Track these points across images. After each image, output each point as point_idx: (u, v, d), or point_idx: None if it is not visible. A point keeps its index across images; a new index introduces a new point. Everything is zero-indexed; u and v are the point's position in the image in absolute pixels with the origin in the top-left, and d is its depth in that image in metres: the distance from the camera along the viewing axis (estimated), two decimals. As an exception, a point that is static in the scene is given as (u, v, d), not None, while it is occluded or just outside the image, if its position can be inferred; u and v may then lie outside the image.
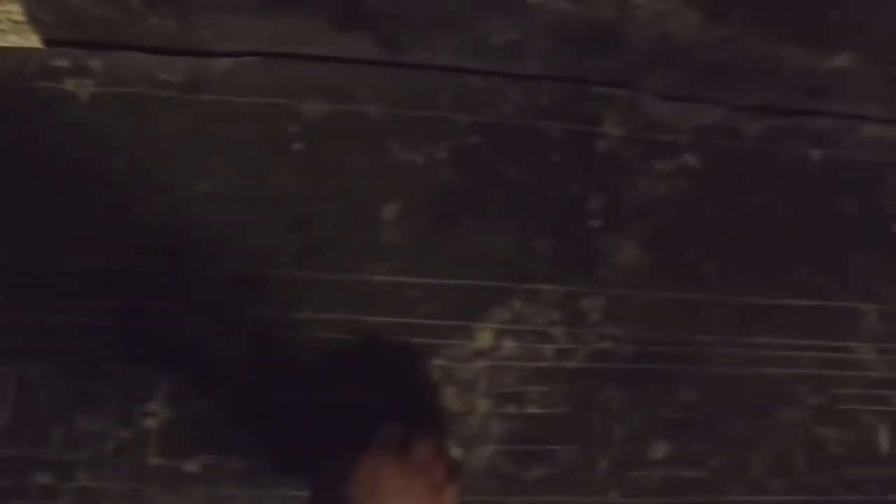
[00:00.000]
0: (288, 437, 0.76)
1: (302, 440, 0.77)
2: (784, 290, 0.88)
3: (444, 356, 0.80)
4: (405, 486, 0.65)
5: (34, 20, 0.79)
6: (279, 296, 0.78)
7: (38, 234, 0.76)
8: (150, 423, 0.75)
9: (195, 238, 0.79)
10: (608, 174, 0.86)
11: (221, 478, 0.75)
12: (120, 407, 0.75)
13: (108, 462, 0.74)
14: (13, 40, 0.81)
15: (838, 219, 0.92)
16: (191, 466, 0.75)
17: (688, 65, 0.86)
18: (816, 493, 0.85)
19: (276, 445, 0.76)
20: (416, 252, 0.82)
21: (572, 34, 0.81)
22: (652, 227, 0.86)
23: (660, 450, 0.83)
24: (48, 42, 0.82)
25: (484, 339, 0.81)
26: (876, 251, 0.92)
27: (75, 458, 0.74)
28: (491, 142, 0.85)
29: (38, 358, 0.74)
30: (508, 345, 0.82)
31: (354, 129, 0.84)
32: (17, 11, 0.78)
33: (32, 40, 0.82)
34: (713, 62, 0.85)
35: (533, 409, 0.81)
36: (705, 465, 0.83)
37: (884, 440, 0.88)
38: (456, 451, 0.79)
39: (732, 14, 0.81)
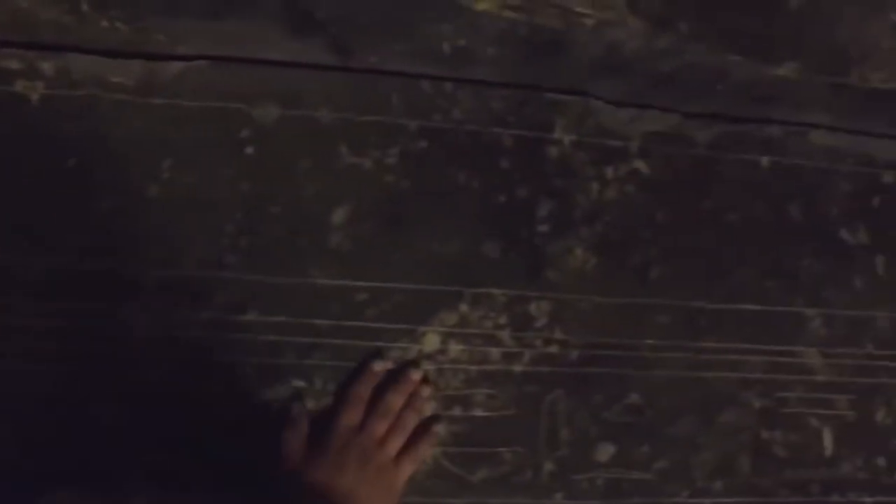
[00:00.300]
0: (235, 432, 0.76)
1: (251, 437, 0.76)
2: (731, 295, 0.90)
3: (390, 359, 0.80)
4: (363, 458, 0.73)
5: (-17, 22, 0.79)
6: (226, 299, 0.78)
7: (-15, 234, 0.76)
8: (95, 424, 0.75)
9: (143, 241, 0.79)
10: (558, 180, 0.87)
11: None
12: (65, 409, 0.75)
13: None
14: (-38, 43, 0.81)
15: (786, 225, 0.93)
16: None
17: (637, 73, 0.87)
18: (760, 496, 0.87)
19: (223, 442, 0.76)
20: (364, 256, 0.82)
21: (520, 42, 0.82)
22: (601, 232, 0.87)
23: (605, 452, 0.84)
24: (-2, 44, 0.82)
25: (431, 342, 0.82)
26: (823, 257, 0.94)
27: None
28: (441, 147, 0.85)
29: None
30: (455, 348, 0.82)
31: (305, 133, 0.84)
32: (-35, 14, 0.78)
33: (-18, 43, 0.82)
34: (661, 70, 0.86)
35: (479, 412, 0.82)
36: (650, 467, 0.84)
37: (828, 443, 0.89)
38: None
39: (678, 24, 0.82)
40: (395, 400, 0.77)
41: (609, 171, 0.89)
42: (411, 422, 0.78)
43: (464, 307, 0.83)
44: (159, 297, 0.78)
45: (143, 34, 0.84)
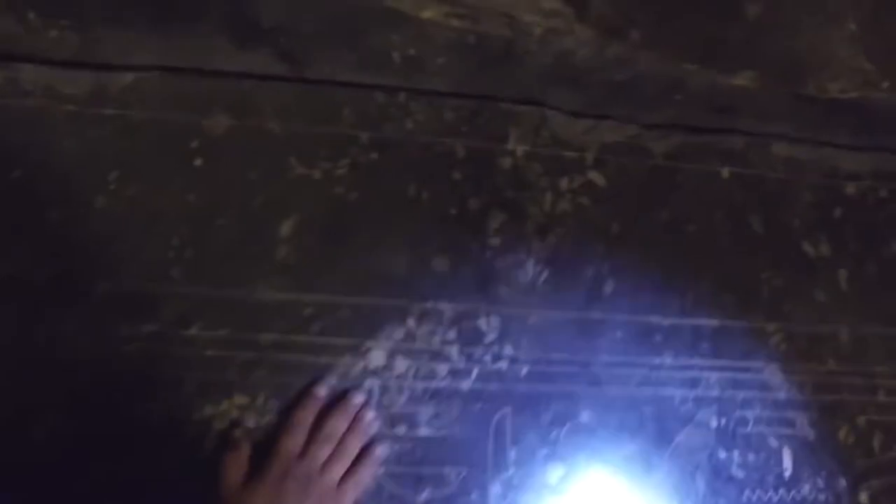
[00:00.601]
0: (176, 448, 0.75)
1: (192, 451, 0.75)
2: (688, 310, 0.88)
3: (335, 374, 0.79)
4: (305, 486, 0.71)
5: (-69, 33, 0.79)
6: (170, 312, 0.77)
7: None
8: (40, 434, 0.74)
9: (88, 253, 0.79)
10: (511, 191, 0.86)
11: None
12: (8, 417, 0.74)
13: None
14: None
15: (746, 237, 0.91)
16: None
17: (591, 82, 0.86)
18: (717, 516, 0.85)
19: (163, 458, 0.75)
20: (310, 269, 0.81)
21: (469, 51, 0.81)
22: (553, 245, 0.86)
23: (555, 474, 0.82)
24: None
25: (376, 358, 0.81)
26: (784, 270, 0.92)
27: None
28: (392, 158, 0.84)
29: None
30: (401, 364, 0.81)
31: (255, 144, 0.84)
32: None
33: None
34: (615, 80, 0.85)
35: (424, 431, 0.80)
36: (601, 487, 0.82)
37: (788, 463, 0.87)
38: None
39: (629, 32, 0.80)
40: (338, 424, 0.76)
41: (563, 183, 0.88)
42: (354, 446, 0.77)
43: (411, 322, 0.82)
44: (102, 310, 0.77)
45: (93, 44, 0.84)
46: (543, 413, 0.83)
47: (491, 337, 0.83)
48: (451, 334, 0.83)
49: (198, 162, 0.82)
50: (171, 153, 0.82)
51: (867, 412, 0.92)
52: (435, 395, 0.81)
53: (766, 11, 0.85)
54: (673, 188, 0.90)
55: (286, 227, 0.82)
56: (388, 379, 0.81)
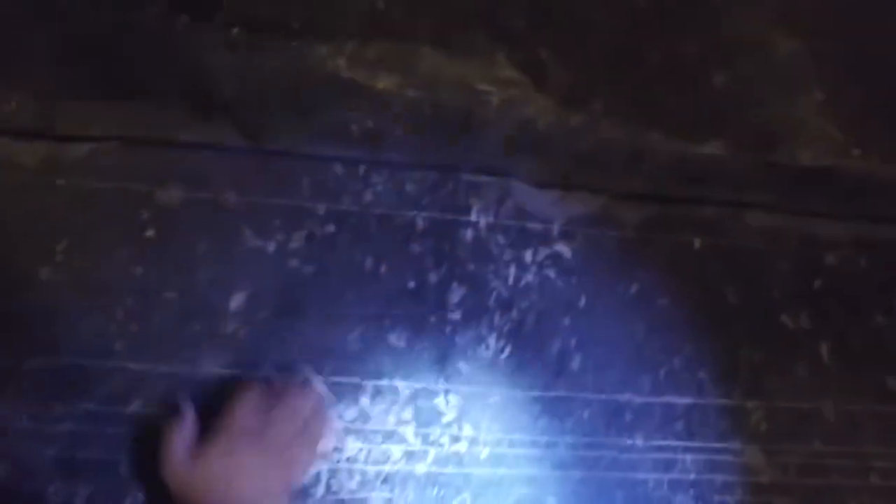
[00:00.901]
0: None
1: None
2: (661, 387, 0.83)
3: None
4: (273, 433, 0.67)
5: None
6: (109, 389, 0.74)
7: None
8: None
9: (29, 325, 0.76)
10: (472, 264, 0.83)
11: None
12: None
13: None
14: None
15: (722, 310, 0.88)
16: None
17: (554, 152, 0.83)
18: None
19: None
20: (259, 344, 0.78)
21: (427, 121, 0.79)
22: (516, 319, 0.82)
23: (517, 563, 0.77)
24: None
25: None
26: (763, 344, 0.88)
27: None
28: (349, 230, 0.82)
29: None
30: (352, 446, 0.77)
31: (209, 215, 0.82)
32: None
33: None
34: (580, 149, 0.83)
35: (375, 518, 0.75)
36: (566, 581, 0.77)
37: (773, 552, 0.82)
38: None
39: (590, 101, 0.78)
40: (289, 391, 0.71)
41: (528, 255, 0.85)
42: (305, 408, 0.71)
43: (364, 400, 0.78)
44: (37, 386, 0.74)
45: (51, 115, 0.83)
46: (505, 499, 0.79)
47: (449, 416, 0.80)
48: (407, 414, 0.79)
49: (149, 233, 0.80)
50: (121, 224, 0.80)
51: (860, 497, 0.86)
52: (388, 479, 0.77)
53: (732, 81, 0.84)
54: (643, 260, 0.87)
55: (236, 301, 0.79)
56: (337, 462, 0.76)
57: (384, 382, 0.79)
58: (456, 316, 0.82)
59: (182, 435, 0.69)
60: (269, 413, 0.70)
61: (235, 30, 0.70)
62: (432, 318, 0.82)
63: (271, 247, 0.81)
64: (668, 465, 0.82)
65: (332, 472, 0.76)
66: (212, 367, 0.77)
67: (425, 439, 0.78)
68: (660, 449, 0.82)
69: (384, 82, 0.75)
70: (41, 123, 0.84)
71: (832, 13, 0.89)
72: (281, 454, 0.68)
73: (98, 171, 0.82)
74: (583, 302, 0.85)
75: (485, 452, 0.79)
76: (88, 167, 0.82)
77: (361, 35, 0.72)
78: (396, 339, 0.81)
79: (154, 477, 0.67)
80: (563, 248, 0.86)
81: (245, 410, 0.70)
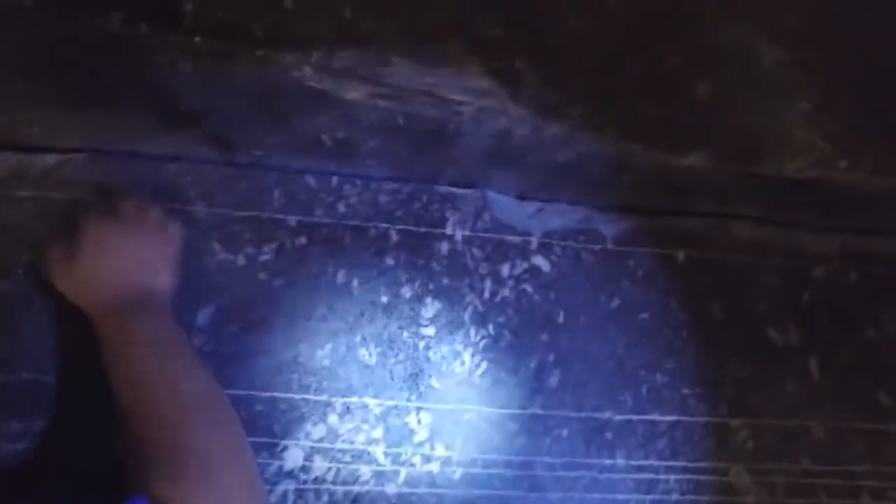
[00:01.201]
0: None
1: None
2: (643, 404, 0.81)
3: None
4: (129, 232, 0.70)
5: None
6: (69, 405, 0.72)
7: None
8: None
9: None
10: (447, 278, 0.81)
11: None
12: None
13: None
14: None
15: (706, 325, 0.85)
16: None
17: (532, 163, 0.81)
18: None
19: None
20: (225, 360, 0.75)
21: (401, 132, 0.77)
22: (492, 334, 0.80)
23: (491, 588, 0.74)
24: None
25: (293, 458, 0.75)
26: (749, 359, 0.85)
27: None
28: (321, 243, 0.80)
29: None
30: (321, 465, 0.75)
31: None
32: None
33: None
34: (558, 161, 0.80)
35: (343, 540, 0.73)
36: None
37: (758, 577, 0.79)
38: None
39: (568, 111, 0.76)
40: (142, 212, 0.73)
41: (505, 269, 0.82)
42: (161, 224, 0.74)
43: (333, 419, 0.76)
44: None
45: (18, 126, 0.81)
46: (479, 521, 0.75)
47: (421, 436, 0.78)
48: (377, 432, 0.78)
49: (116, 247, 0.77)
50: (88, 238, 0.77)
51: (851, 517, 0.83)
52: (357, 500, 0.74)
53: (716, 91, 0.81)
54: (624, 273, 0.84)
55: (203, 316, 0.76)
56: (305, 482, 0.74)
57: (354, 400, 0.76)
58: (430, 331, 0.80)
59: (59, 245, 0.70)
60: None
61: (198, 38, 0.68)
62: (405, 334, 0.79)
63: (240, 260, 0.79)
64: (650, 486, 0.79)
65: (300, 493, 0.73)
66: (177, 384, 0.74)
67: (396, 459, 0.76)
68: (641, 469, 0.79)
69: (354, 93, 0.72)
70: (6, 135, 0.82)
71: (818, 22, 0.87)
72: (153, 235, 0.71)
73: (65, 182, 0.81)
74: (561, 317, 0.82)
75: (458, 473, 0.76)
76: (55, 179, 0.80)
77: (329, 43, 0.70)
78: (367, 355, 0.78)
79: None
80: (542, 262, 0.83)
81: (97, 216, 0.71)
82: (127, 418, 0.61)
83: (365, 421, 0.76)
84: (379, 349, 0.78)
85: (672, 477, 0.80)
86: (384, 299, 0.80)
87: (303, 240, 0.80)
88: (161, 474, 0.56)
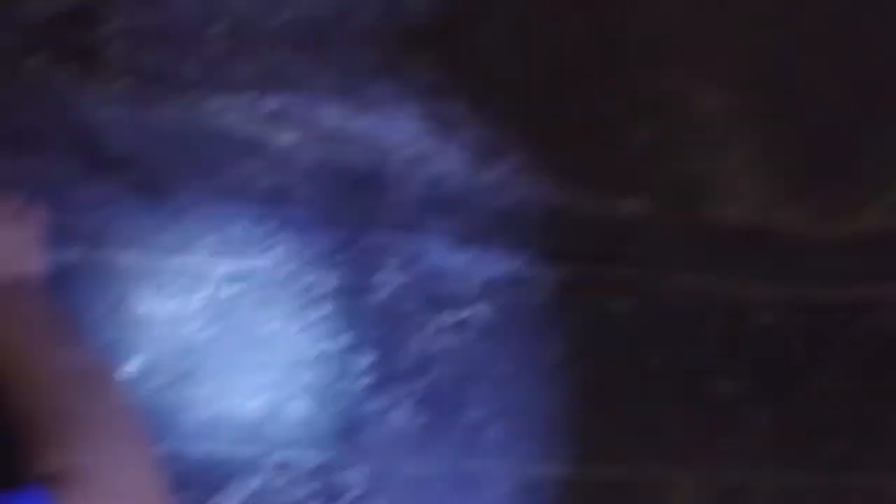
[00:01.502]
0: None
1: None
2: (582, 459, 0.79)
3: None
4: None
5: None
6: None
7: None
8: None
9: None
10: (383, 328, 0.79)
11: None
12: None
13: None
14: None
15: (646, 375, 0.84)
16: None
17: (468, 209, 0.80)
18: None
19: None
20: (154, 414, 0.72)
21: (334, 178, 0.76)
22: (429, 386, 0.78)
23: None
24: None
25: (225, 514, 0.71)
26: (691, 411, 0.83)
27: None
28: (251, 292, 0.78)
29: None
30: (251, 524, 0.71)
31: (103, 277, 0.77)
32: None
33: None
34: (496, 207, 0.79)
35: None
36: None
37: None
38: None
39: (505, 156, 0.76)
40: None
41: (442, 318, 0.80)
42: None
43: (265, 474, 0.75)
44: None
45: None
46: (413, 583, 0.72)
47: (357, 491, 0.77)
48: (312, 488, 0.76)
49: (43, 296, 0.75)
50: (11, 288, 0.74)
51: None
52: (288, 562, 0.71)
53: (654, 137, 0.82)
54: (563, 323, 0.83)
55: (131, 367, 0.74)
56: (234, 541, 0.70)
57: (287, 454, 0.74)
58: (365, 382, 0.77)
59: None
60: None
61: (122, 81, 0.66)
62: (340, 385, 0.77)
63: (170, 309, 0.76)
64: (589, 545, 0.77)
65: (227, 555, 0.70)
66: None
67: (331, 515, 0.73)
68: (583, 525, 0.77)
69: (284, 137, 0.71)
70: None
71: (757, 68, 0.88)
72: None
73: (-12, 230, 0.77)
74: (500, 367, 0.80)
75: (393, 530, 0.73)
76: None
77: (258, 87, 0.69)
78: (301, 408, 0.76)
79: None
80: (480, 310, 0.82)
81: None
82: (8, 396, 0.59)
83: (300, 475, 0.74)
84: (313, 402, 0.76)
85: (613, 535, 0.78)
86: (318, 349, 0.78)
87: (234, 288, 0.78)
88: (48, 442, 0.55)
